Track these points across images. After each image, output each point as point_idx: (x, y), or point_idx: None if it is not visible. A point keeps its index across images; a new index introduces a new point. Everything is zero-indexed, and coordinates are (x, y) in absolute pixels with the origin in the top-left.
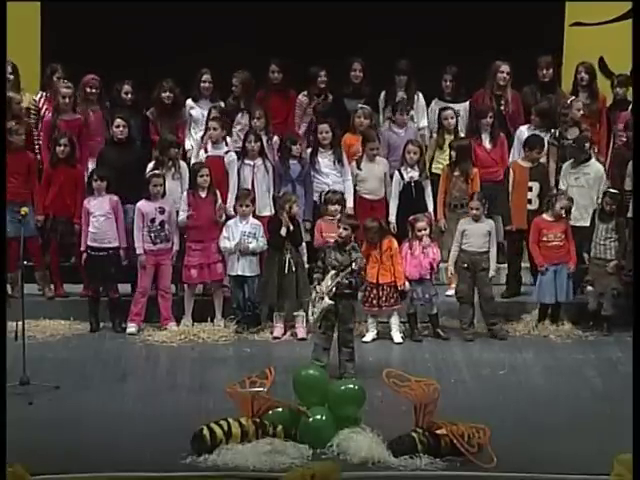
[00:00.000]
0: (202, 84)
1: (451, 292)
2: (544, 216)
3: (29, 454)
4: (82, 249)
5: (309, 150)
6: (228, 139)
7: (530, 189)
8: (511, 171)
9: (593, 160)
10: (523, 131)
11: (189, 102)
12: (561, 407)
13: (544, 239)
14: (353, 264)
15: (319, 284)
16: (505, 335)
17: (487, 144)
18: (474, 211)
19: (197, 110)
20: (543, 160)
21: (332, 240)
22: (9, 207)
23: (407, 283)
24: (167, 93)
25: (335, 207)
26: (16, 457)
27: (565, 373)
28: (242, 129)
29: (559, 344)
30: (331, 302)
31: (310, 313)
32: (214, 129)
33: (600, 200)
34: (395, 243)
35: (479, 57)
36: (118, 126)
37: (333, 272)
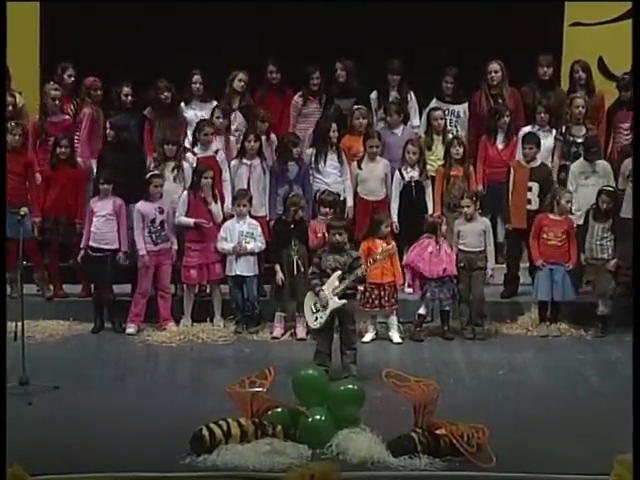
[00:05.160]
0: (193, 85)
1: None
2: (549, 215)
3: (29, 454)
4: (82, 246)
5: (309, 151)
6: (217, 139)
7: (530, 189)
8: (512, 170)
9: (601, 159)
10: (526, 131)
11: (182, 104)
12: (561, 407)
13: (544, 236)
14: (359, 264)
15: (321, 289)
16: (483, 337)
17: (500, 144)
18: (465, 209)
19: (190, 112)
20: (544, 160)
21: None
22: (7, 208)
23: (431, 283)
24: (165, 93)
25: (327, 209)
26: (16, 457)
27: (565, 373)
28: (237, 130)
29: (559, 344)
30: (343, 301)
31: (313, 319)
32: (205, 135)
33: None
34: (394, 242)
35: (478, 57)
36: (109, 130)
37: (338, 273)
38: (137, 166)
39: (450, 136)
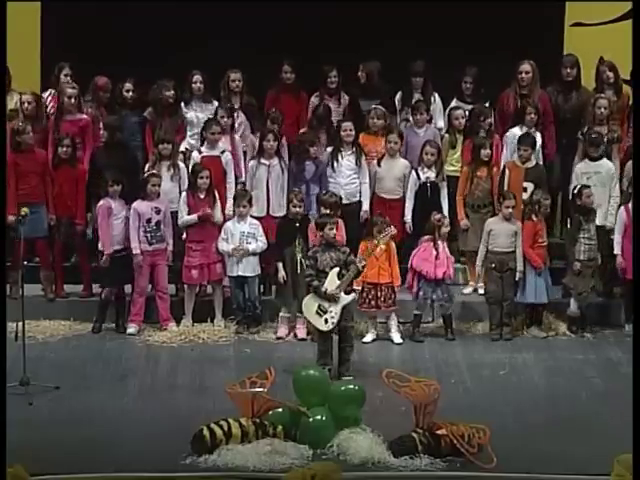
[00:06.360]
0: (193, 85)
1: (467, 291)
2: (534, 218)
3: (29, 454)
4: (107, 252)
5: (329, 149)
6: (223, 139)
7: (525, 189)
8: (507, 171)
9: (605, 159)
10: (514, 132)
11: (182, 104)
12: (561, 407)
13: (539, 240)
14: (352, 259)
15: (326, 289)
16: (511, 337)
17: None
18: (510, 210)
19: (191, 112)
20: (539, 161)
21: None
22: (28, 208)
23: (427, 284)
24: (171, 92)
25: (327, 211)
26: (16, 457)
27: (565, 373)
28: (238, 130)
29: (559, 344)
30: (353, 295)
31: (323, 322)
32: (212, 133)
33: (573, 198)
34: (393, 244)
35: (478, 58)
36: (102, 130)
37: (336, 270)
38: (130, 167)
39: (480, 137)
